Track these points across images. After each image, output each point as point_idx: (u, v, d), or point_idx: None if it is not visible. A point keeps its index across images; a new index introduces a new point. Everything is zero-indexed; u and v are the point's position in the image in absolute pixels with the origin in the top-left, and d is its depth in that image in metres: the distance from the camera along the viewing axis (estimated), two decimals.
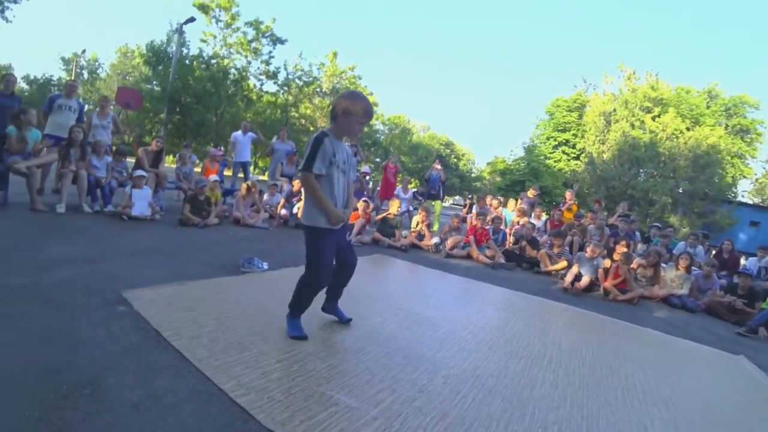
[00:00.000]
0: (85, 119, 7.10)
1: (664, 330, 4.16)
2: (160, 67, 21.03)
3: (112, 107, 7.73)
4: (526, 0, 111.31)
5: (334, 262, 2.50)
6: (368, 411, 1.68)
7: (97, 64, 43.77)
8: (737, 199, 22.85)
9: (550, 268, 6.25)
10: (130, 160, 7.63)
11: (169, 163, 20.71)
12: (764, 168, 25.29)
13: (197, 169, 9.09)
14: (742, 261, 9.29)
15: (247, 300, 2.89)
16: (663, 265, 6.26)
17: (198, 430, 1.45)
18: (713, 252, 8.26)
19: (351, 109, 2.24)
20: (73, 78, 28.83)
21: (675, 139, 19.65)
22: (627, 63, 24.06)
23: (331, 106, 2.37)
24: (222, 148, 10.63)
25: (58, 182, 5.60)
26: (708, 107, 25.52)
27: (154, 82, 21.37)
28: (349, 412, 1.65)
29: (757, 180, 26.45)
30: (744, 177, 26.40)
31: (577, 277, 5.52)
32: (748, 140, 26.44)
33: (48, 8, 79.81)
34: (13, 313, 2.17)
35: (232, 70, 24.49)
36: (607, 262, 5.86)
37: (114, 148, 6.95)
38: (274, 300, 2.95)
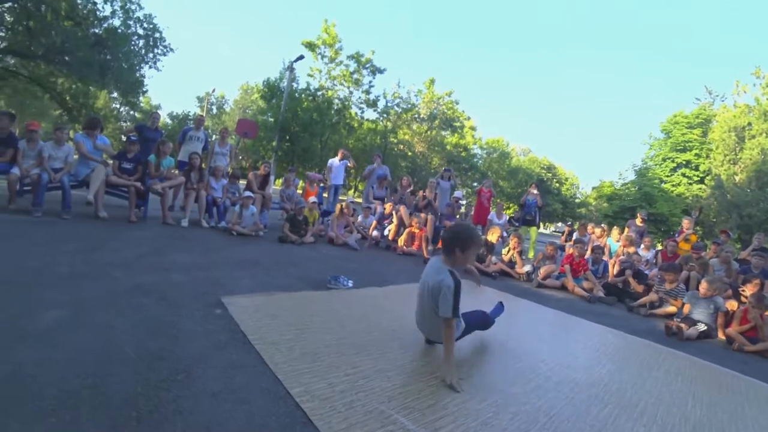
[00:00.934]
0: (209, 148, 8.29)
1: None
2: (273, 101, 23.70)
3: (231, 137, 8.93)
4: (637, 3, 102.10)
5: None
6: None
7: (223, 100, 50.79)
8: None
9: (659, 311, 5.47)
10: (243, 183, 8.67)
11: (278, 185, 22.94)
12: None
13: (299, 191, 9.96)
14: None
15: (328, 314, 3.07)
16: None
17: (262, 425, 1.61)
18: None
19: (470, 243, 2.45)
20: (203, 113, 33.85)
21: None
22: (764, 67, 20.28)
23: (455, 234, 2.50)
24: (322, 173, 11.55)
25: (184, 201, 6.61)
26: None
27: (268, 114, 24.13)
28: None
29: None
30: None
31: (689, 320, 4.77)
32: None
33: (189, 56, 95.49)
34: (134, 305, 2.63)
35: (336, 100, 26.57)
36: (732, 305, 4.98)
37: (230, 171, 7.97)
38: (353, 317, 3.09)
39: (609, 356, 3.34)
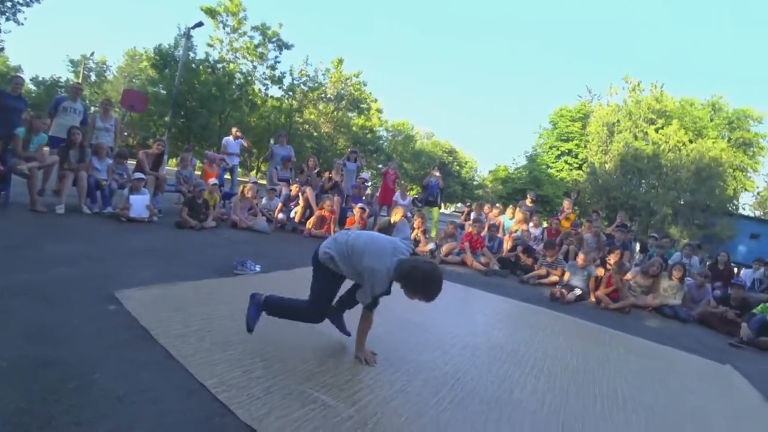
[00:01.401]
0: (89, 122, 7.21)
1: (654, 339, 4.17)
2: (166, 71, 21.28)
3: (116, 110, 7.84)
4: (533, 9, 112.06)
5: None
6: (344, 410, 1.72)
7: (105, 66, 44.32)
8: (738, 212, 22.80)
9: (545, 281, 6.25)
10: (132, 163, 7.74)
11: (172, 166, 20.92)
12: (766, 181, 25.21)
13: (197, 173, 9.20)
14: (740, 273, 9.29)
15: (237, 301, 2.93)
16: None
17: (176, 423, 1.50)
18: (708, 263, 8.25)
19: (429, 294, 2.12)
20: (80, 80, 29.20)
21: (677, 151, 19.69)
22: (632, 74, 24.17)
23: (412, 275, 2.09)
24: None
25: (59, 184, 5.69)
26: (711, 120, 25.53)
27: (160, 85, 21.63)
28: (325, 410, 1.69)
29: (758, 193, 26.38)
30: (746, 190, 26.35)
31: (568, 286, 5.54)
32: (751, 153, 26.42)
33: (58, 10, 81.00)
34: (7, 307, 2.24)
35: (238, 75, 24.78)
36: (600, 271, 5.88)
37: (115, 150, 7.05)
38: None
39: (504, 322, 3.74)
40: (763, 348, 4.53)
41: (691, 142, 20.47)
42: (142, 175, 6.02)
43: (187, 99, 20.74)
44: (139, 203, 5.66)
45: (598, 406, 2.28)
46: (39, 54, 69.98)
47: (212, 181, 7.02)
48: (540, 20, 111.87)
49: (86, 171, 5.82)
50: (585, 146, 27.45)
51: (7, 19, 16.82)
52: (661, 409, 2.40)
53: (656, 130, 21.23)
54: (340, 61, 31.34)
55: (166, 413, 1.54)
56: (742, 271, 8.89)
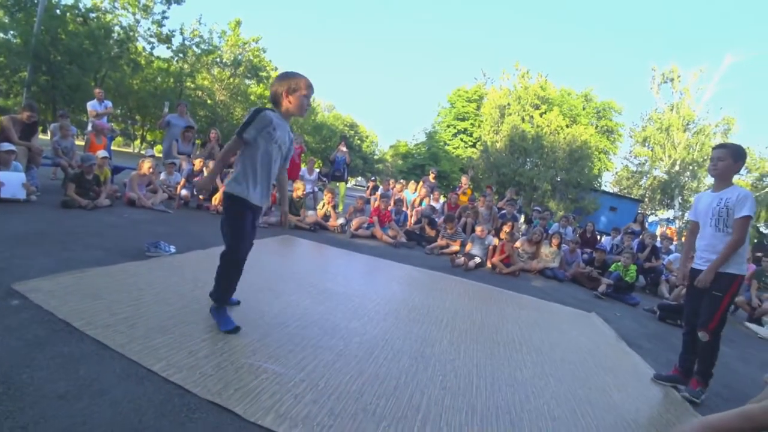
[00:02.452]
0: None
1: (538, 296, 4.98)
2: (20, 14, 17.58)
3: None
4: None
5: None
6: (295, 375, 1.88)
7: None
8: (601, 188, 26.98)
9: (447, 251, 6.90)
10: None
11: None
12: (622, 163, 30.19)
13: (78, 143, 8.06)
14: (602, 239, 11.22)
15: (160, 284, 2.84)
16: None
17: (135, 409, 1.51)
18: (580, 231, 9.83)
19: (294, 86, 2.22)
20: None
21: (556, 135, 22.45)
22: (522, 62, 26.90)
23: (270, 93, 2.29)
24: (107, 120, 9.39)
25: None
26: (584, 109, 29.66)
27: (11, 33, 17.84)
28: (277, 378, 1.83)
29: (616, 173, 31.51)
30: (607, 170, 31.38)
31: (469, 255, 6.24)
32: (612, 139, 31.53)
33: None
34: None
35: (117, 28, 21.54)
36: (495, 241, 6.70)
37: None
38: (186, 283, 2.95)
39: (418, 288, 4.16)
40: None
41: (567, 126, 23.46)
42: (11, 146, 5.16)
43: (52, 52, 17.51)
44: (13, 181, 4.87)
45: (501, 350, 2.77)
46: None
47: (101, 153, 6.29)
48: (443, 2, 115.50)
49: None
50: (479, 126, 29.75)
51: None
52: (547, 349, 3.00)
53: (540, 115, 23.90)
54: (238, 23, 29.00)
55: (120, 402, 1.53)
56: (603, 238, 10.76)
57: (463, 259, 6.08)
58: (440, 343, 2.67)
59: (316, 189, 10.24)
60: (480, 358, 2.55)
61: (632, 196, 25.05)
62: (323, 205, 7.52)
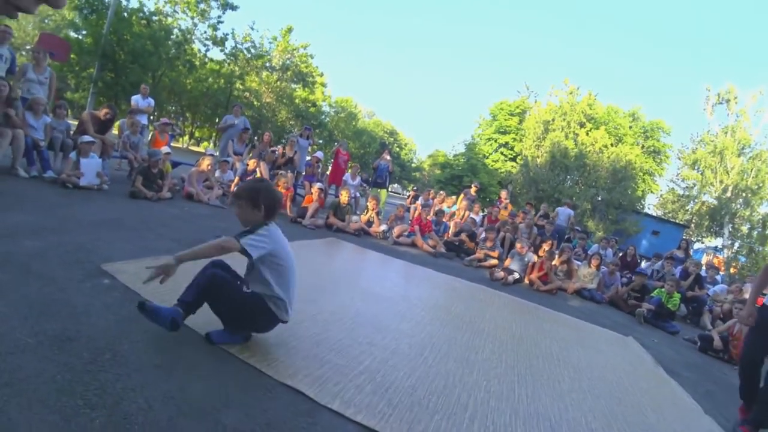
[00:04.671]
0: (16, 69, 6.51)
1: (574, 315, 4.98)
2: (92, 16, 19.05)
3: (47, 59, 7.05)
4: (484, 3, 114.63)
5: None
6: (355, 368, 2.07)
7: None
8: (644, 211, 25.99)
9: (485, 264, 6.94)
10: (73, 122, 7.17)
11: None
12: (668, 186, 29.01)
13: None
14: (642, 263, 10.90)
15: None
16: (578, 263, 7.27)
17: (222, 385, 1.72)
18: (620, 254, 9.61)
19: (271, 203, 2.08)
20: None
21: (600, 153, 21.90)
22: (570, 78, 26.60)
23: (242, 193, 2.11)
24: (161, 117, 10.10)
25: None
26: (630, 128, 28.77)
27: (83, 32, 19.35)
28: (340, 369, 2.02)
29: (661, 196, 30.28)
30: (651, 192, 30.16)
31: (508, 270, 6.28)
32: (658, 161, 30.34)
33: None
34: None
35: (176, 31, 22.91)
36: (534, 258, 6.70)
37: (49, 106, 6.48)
38: None
39: (459, 298, 4.28)
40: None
41: (612, 145, 22.84)
42: (91, 138, 5.68)
43: (117, 52, 18.85)
44: (92, 169, 5.37)
45: (540, 363, 2.87)
46: None
47: (165, 149, 6.79)
48: (490, 14, 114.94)
49: (23, 129, 5.37)
50: (520, 140, 29.38)
51: None
52: (584, 366, 3.06)
53: (586, 133, 23.39)
54: (289, 30, 30.08)
55: (208, 377, 1.74)
56: (643, 263, 10.46)
57: (502, 273, 6.14)
58: (483, 351, 2.79)
59: (358, 194, 10.54)
60: (520, 368, 2.66)
61: (677, 221, 23.94)
62: (367, 211, 7.76)
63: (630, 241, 14.01)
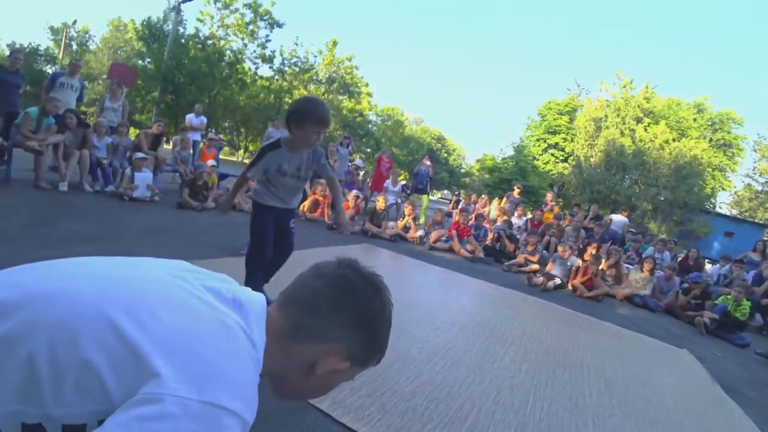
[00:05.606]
0: (84, 98, 7.25)
1: (621, 324, 4.62)
2: (154, 45, 20.88)
3: (123, 90, 7.85)
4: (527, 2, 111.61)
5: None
6: None
7: (87, 36, 42.76)
8: (715, 210, 23.70)
9: (525, 269, 6.64)
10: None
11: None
12: (743, 182, 26.27)
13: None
14: (708, 267, 9.92)
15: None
16: (629, 267, 6.77)
17: None
18: (680, 258, 8.81)
19: (304, 120, 2.20)
20: (62, 48, 28.28)
21: (661, 150, 20.33)
22: (618, 69, 24.91)
23: (286, 116, 2.29)
24: (216, 132, 10.78)
25: (55, 160, 5.81)
26: (695, 120, 26.41)
27: (148, 60, 21.22)
28: None
29: (735, 193, 27.48)
30: (723, 189, 27.44)
31: (548, 275, 5.97)
32: (730, 154, 27.48)
33: None
34: None
35: (228, 52, 24.42)
36: (579, 262, 6.32)
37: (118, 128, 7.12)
38: (277, 280, 3.29)
39: (488, 303, 4.13)
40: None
41: (674, 140, 21.15)
42: (143, 155, 6.17)
43: (177, 75, 20.43)
44: (144, 183, 5.84)
45: (566, 374, 2.68)
46: (17, 20, 66.86)
47: (210, 162, 7.20)
48: (533, 12, 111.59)
49: (88, 150, 5.96)
50: (572, 140, 28.07)
51: None
52: (619, 380, 2.82)
53: (644, 129, 21.83)
54: (335, 43, 30.99)
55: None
56: (709, 267, 9.52)
57: (542, 278, 5.85)
58: (501, 359, 2.66)
59: (399, 201, 10.56)
60: (541, 378, 2.50)
61: (755, 220, 21.55)
62: (404, 217, 7.76)
63: (699, 243, 12.80)
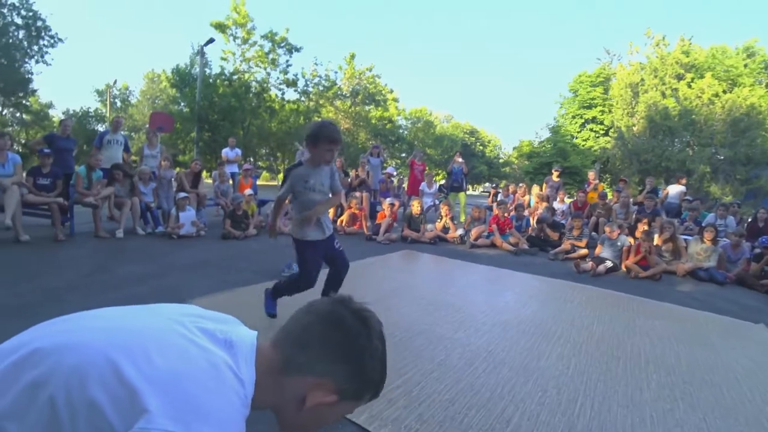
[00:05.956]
0: (130, 149, 7.83)
1: (684, 303, 4.29)
2: (186, 89, 22.20)
3: (158, 137, 8.44)
4: None
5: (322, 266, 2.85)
6: (393, 381, 2.05)
7: (128, 92, 46.22)
8: None
9: (573, 255, 6.34)
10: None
11: (204, 177, 21.95)
12: None
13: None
14: None
15: (291, 300, 3.32)
16: (688, 238, 6.29)
17: None
18: (748, 221, 8.07)
19: (318, 141, 2.52)
20: (107, 108, 30.78)
21: (711, 105, 18.79)
22: (654, 28, 23.29)
23: (305, 137, 2.63)
24: (253, 161, 11.29)
25: (111, 211, 6.31)
26: (746, 66, 24.17)
27: (182, 103, 22.59)
28: None
29: None
30: None
31: (598, 259, 5.67)
32: None
33: (79, 44, 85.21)
34: None
35: (253, 83, 25.44)
36: (631, 240, 5.96)
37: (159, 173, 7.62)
38: (315, 296, 3.37)
39: (533, 297, 3.99)
40: None
41: (725, 92, 19.47)
42: (185, 194, 6.56)
43: (209, 113, 21.58)
44: (188, 220, 6.22)
45: (620, 366, 2.52)
46: (68, 87, 73.55)
47: (248, 191, 7.51)
48: None
49: (137, 197, 6.44)
50: (609, 111, 26.63)
51: (37, 61, 17.98)
52: (683, 367, 2.61)
53: (688, 85, 20.27)
54: (353, 57, 31.50)
55: None
56: None
57: (590, 263, 5.57)
58: (548, 357, 2.56)
59: (437, 202, 10.47)
60: (592, 374, 2.37)
61: None
62: (441, 218, 7.70)
63: (766, 202, 11.63)
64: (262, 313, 2.98)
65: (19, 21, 16.91)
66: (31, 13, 17.05)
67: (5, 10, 16.43)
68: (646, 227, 6.01)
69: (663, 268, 5.51)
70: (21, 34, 17.22)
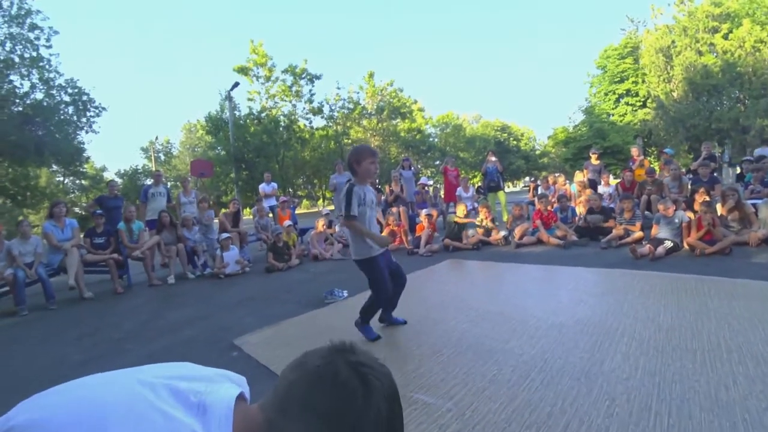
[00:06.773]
0: (172, 199, 8.27)
1: (763, 277, 3.83)
2: (220, 134, 23.40)
3: (192, 184, 8.90)
4: None
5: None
6: (443, 404, 1.94)
7: (169, 145, 49.46)
8: None
9: (628, 240, 5.88)
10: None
11: (247, 214, 22.87)
12: None
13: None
14: None
15: (333, 328, 3.30)
16: (757, 201, 5.70)
17: None
18: None
19: (360, 158, 2.85)
20: (152, 163, 33.02)
21: (757, 53, 17.25)
22: None
23: (347, 163, 2.93)
24: (292, 191, 11.63)
25: (163, 258, 6.65)
26: None
27: (218, 147, 23.81)
28: (426, 408, 1.92)
29: None
30: None
31: (655, 241, 5.24)
32: None
33: (120, 108, 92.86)
34: None
35: (281, 117, 26.42)
36: (690, 215, 5.48)
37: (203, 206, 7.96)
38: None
39: (589, 293, 3.71)
40: None
41: None
42: (227, 235, 6.79)
43: (244, 153, 22.57)
44: (233, 259, 6.42)
45: (698, 361, 2.25)
46: (117, 149, 79.84)
47: (287, 223, 7.68)
48: None
49: (183, 243, 6.74)
50: (643, 81, 25.15)
51: (86, 132, 19.60)
52: None
53: (725, 37, 18.77)
54: (371, 75, 31.99)
55: None
56: None
57: (647, 246, 5.14)
58: (611, 359, 2.33)
59: (476, 204, 10.24)
60: (665, 373, 2.12)
61: None
62: (481, 221, 7.48)
63: None
64: (305, 342, 2.97)
65: (67, 98, 18.57)
66: (76, 89, 18.69)
67: (54, 91, 18.09)
68: (705, 197, 5.51)
69: (732, 240, 4.99)
70: (70, 110, 18.87)
